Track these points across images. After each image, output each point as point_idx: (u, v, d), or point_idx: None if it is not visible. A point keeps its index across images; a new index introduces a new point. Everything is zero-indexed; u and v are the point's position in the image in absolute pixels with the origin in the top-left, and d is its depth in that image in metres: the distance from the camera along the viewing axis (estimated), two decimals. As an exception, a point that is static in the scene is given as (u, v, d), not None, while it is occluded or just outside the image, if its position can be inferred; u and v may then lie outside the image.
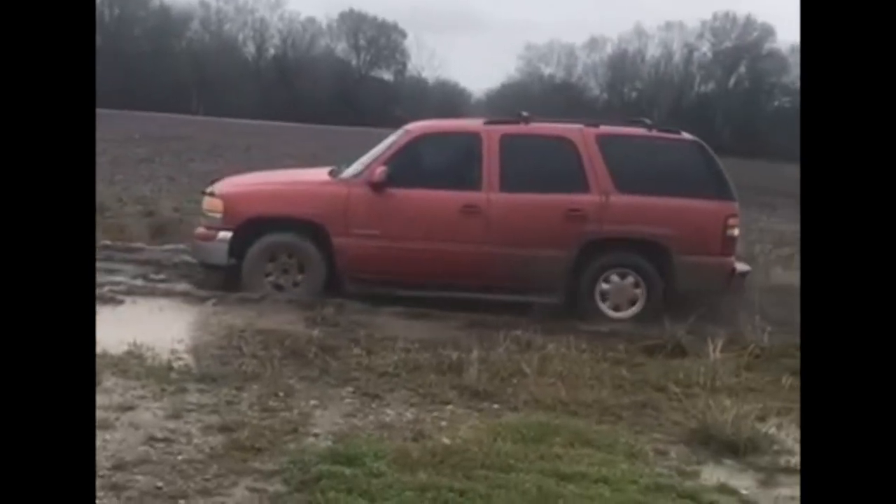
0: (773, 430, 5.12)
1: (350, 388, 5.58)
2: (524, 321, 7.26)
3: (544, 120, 8.82)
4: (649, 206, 8.13)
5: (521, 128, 8.47)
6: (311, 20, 73.58)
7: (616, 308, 8.11)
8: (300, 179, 9.29)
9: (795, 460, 4.78)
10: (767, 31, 68.07)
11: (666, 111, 59.75)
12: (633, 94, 70.80)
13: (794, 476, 4.59)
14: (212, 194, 8.53)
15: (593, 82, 73.59)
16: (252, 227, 8.18)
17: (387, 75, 75.34)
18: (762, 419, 5.18)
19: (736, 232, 8.25)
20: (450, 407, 5.36)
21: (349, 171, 8.51)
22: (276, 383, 5.53)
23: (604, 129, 8.49)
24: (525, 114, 8.64)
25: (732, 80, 69.64)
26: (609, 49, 72.19)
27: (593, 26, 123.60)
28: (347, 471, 4.11)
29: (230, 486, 4.02)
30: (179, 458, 4.28)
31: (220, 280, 8.30)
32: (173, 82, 59.62)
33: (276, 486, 4.02)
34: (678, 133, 8.62)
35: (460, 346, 6.50)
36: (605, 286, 8.13)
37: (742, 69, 69.26)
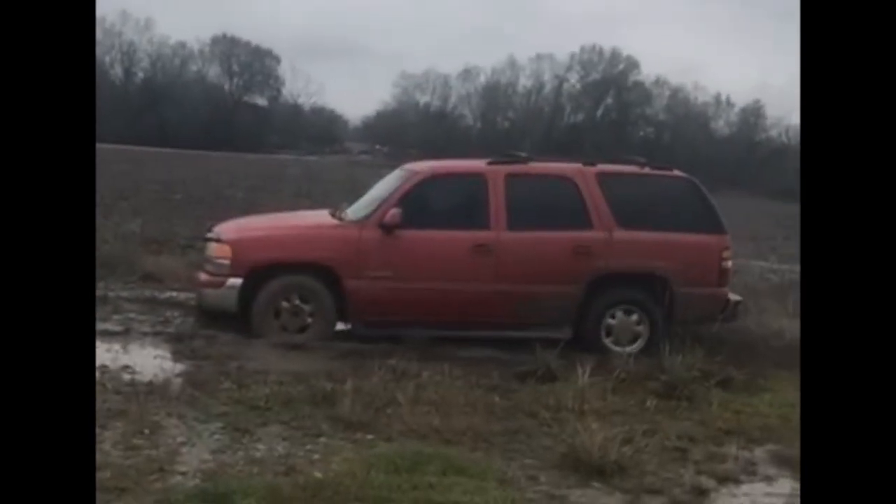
0: (637, 453, 5.28)
1: (219, 424, 5.43)
2: (399, 350, 7.28)
3: (542, 159, 9.05)
4: (650, 241, 8.36)
5: (523, 167, 8.60)
6: (182, 44, 72.19)
7: (621, 343, 8.25)
8: (308, 223, 9.03)
9: (660, 482, 4.96)
10: (633, 64, 71.19)
11: (538, 141, 61.33)
12: (506, 124, 72.42)
13: (659, 497, 4.78)
14: (218, 240, 8.22)
15: (467, 111, 75.05)
16: (263, 272, 7.95)
17: (261, 101, 74.52)
18: (628, 441, 5.33)
19: (729, 264, 8.62)
20: (323, 439, 5.30)
21: (355, 214, 8.46)
22: (141, 420, 5.33)
23: (601, 167, 8.68)
24: (524, 154, 8.80)
25: (600, 111, 72.22)
26: (482, 79, 73.87)
27: (468, 56, 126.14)
28: (216, 510, 4.00)
29: (90, 530, 3.85)
30: (35, 503, 4.07)
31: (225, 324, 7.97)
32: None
33: (139, 529, 3.88)
34: (670, 170, 8.89)
35: (334, 376, 6.44)
36: (610, 321, 8.30)
37: (609, 100, 71.92)
